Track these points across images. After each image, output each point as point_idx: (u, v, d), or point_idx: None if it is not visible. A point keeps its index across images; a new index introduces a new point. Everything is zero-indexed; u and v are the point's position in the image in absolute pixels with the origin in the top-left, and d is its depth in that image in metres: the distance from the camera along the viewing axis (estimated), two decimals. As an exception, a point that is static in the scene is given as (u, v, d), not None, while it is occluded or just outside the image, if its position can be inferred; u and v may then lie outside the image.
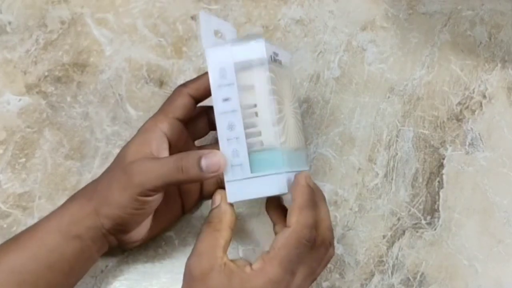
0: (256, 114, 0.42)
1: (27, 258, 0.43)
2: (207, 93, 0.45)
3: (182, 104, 0.46)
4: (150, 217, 0.47)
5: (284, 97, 0.44)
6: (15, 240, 0.45)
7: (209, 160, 0.41)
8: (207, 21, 0.44)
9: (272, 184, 0.42)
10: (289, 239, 0.40)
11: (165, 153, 0.45)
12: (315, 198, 0.42)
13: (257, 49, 0.42)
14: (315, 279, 0.43)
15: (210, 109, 0.47)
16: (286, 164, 0.42)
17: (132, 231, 0.46)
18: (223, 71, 0.42)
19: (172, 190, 0.49)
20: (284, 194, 0.42)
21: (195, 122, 0.49)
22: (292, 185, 0.42)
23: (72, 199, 0.46)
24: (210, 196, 0.44)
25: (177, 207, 0.50)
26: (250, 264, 0.40)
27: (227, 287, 0.39)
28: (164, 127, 0.45)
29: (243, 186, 0.42)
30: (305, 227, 0.40)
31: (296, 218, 0.40)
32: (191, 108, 0.46)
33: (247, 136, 0.42)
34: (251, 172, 0.42)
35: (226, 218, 0.42)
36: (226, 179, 0.42)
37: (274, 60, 0.44)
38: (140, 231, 0.47)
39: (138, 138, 0.45)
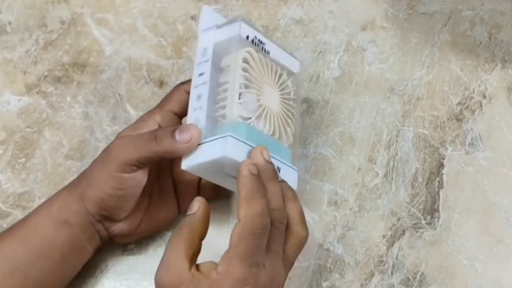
0: (226, 90, 0.43)
1: (19, 245, 0.43)
2: None
3: (177, 99, 0.47)
4: (142, 211, 0.47)
5: (265, 83, 0.45)
6: (9, 229, 0.45)
7: (182, 130, 0.42)
8: (209, 16, 0.46)
9: (217, 148, 0.41)
10: (243, 233, 0.39)
11: None
12: (260, 184, 0.40)
13: (234, 29, 0.44)
14: (292, 263, 0.42)
15: None
16: (239, 134, 0.42)
17: (119, 220, 0.46)
18: (205, 50, 0.45)
19: (167, 188, 0.49)
20: (226, 159, 0.41)
21: None
22: (237, 177, 0.41)
23: (62, 188, 0.47)
24: (206, 197, 0.43)
25: (172, 206, 0.49)
26: (216, 268, 0.39)
27: None
28: (158, 117, 0.46)
29: (196, 153, 0.42)
30: (254, 217, 0.39)
31: (244, 211, 0.39)
32: (187, 103, 0.46)
33: (215, 110, 0.43)
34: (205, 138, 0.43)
35: (198, 228, 0.41)
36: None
37: (255, 44, 0.45)
38: (130, 223, 0.46)
39: (130, 127, 0.46)
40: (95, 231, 0.46)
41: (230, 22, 0.45)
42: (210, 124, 0.43)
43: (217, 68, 0.45)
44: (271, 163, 0.42)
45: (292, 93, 0.47)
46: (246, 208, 0.39)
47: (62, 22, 0.57)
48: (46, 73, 0.56)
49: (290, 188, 0.43)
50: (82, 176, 0.46)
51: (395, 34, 0.58)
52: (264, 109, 0.44)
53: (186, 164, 0.43)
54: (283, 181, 0.43)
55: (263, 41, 0.46)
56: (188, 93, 0.46)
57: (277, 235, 0.41)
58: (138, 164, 0.43)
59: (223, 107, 0.43)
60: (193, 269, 0.39)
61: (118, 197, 0.44)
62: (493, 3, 0.59)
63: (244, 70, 0.44)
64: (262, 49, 0.46)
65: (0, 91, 0.55)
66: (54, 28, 0.57)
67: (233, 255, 0.39)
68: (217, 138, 0.41)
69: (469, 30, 0.59)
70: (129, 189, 0.44)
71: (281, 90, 0.47)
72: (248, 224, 0.39)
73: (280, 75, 0.47)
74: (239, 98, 0.43)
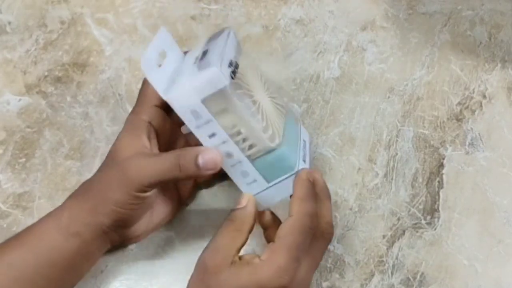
0: (240, 131, 0.42)
1: (26, 254, 0.43)
2: None
3: (153, 93, 0.46)
4: (150, 211, 0.47)
5: (255, 89, 0.45)
6: (16, 237, 0.45)
7: (206, 157, 0.42)
8: (161, 39, 0.44)
9: (290, 186, 0.44)
10: (293, 226, 0.41)
11: (155, 143, 0.46)
12: (314, 192, 0.44)
13: (215, 79, 0.40)
14: (314, 271, 0.44)
15: None
16: (293, 160, 0.44)
17: (130, 226, 0.46)
18: (195, 112, 0.41)
19: (169, 185, 0.49)
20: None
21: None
22: (294, 179, 0.44)
23: (70, 197, 0.46)
24: (204, 183, 0.46)
25: (175, 198, 0.50)
26: (259, 256, 0.42)
27: (237, 280, 0.40)
28: (147, 117, 0.46)
29: (266, 195, 0.44)
30: (306, 215, 0.42)
31: (297, 207, 0.42)
32: None
33: (244, 151, 0.43)
34: (268, 182, 0.44)
35: (249, 222, 0.43)
36: (252, 194, 0.45)
37: (233, 65, 0.42)
38: (141, 226, 0.47)
39: (126, 133, 0.46)
40: (106, 238, 0.46)
41: (201, 68, 0.41)
42: (252, 164, 0.44)
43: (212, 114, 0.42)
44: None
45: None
46: (300, 206, 0.42)
47: (62, 22, 0.57)
48: (46, 73, 0.56)
49: None
50: (90, 188, 0.45)
51: (395, 34, 0.58)
52: (267, 117, 0.44)
53: (262, 207, 0.46)
54: None
55: (229, 54, 0.43)
56: None
57: (322, 245, 0.44)
58: (158, 186, 0.44)
59: (253, 146, 0.43)
60: (237, 257, 0.42)
61: (136, 212, 0.45)
62: (493, 3, 0.59)
63: (249, 102, 0.43)
64: (234, 64, 0.43)
65: (0, 91, 0.55)
66: (54, 28, 0.57)
67: (280, 244, 0.41)
68: (285, 179, 0.44)
69: (469, 30, 0.59)
70: (146, 205, 0.45)
71: (267, 91, 0.47)
72: (300, 220, 0.42)
73: (258, 71, 0.47)
74: (263, 132, 0.43)
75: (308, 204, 0.42)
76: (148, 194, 0.43)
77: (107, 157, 0.46)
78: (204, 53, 0.43)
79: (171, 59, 0.45)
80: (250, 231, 0.44)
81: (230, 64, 0.41)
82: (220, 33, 0.45)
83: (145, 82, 0.47)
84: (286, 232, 0.41)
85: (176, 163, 0.42)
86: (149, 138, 0.45)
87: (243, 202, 0.44)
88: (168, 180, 0.43)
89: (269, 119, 0.44)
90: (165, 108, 0.48)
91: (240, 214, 0.43)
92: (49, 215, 0.45)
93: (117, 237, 0.46)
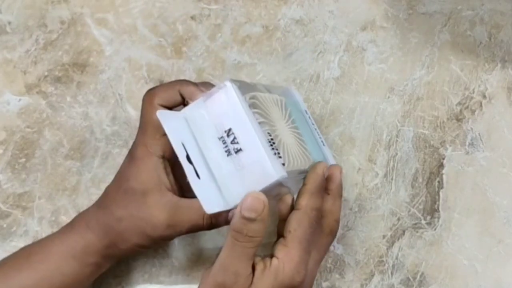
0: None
1: (40, 280, 0.43)
2: (177, 103, 0.45)
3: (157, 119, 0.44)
4: None
5: (275, 123, 0.43)
6: (27, 259, 0.44)
7: (250, 210, 0.39)
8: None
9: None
10: (302, 220, 0.41)
11: (173, 178, 0.45)
12: (323, 187, 0.43)
13: (269, 176, 0.39)
14: (319, 266, 0.45)
15: None
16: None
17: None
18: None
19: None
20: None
21: None
22: (310, 170, 0.43)
23: (85, 224, 0.45)
24: None
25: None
26: (270, 256, 0.41)
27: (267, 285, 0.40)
28: (158, 151, 0.44)
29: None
30: (314, 209, 0.42)
31: (306, 201, 0.42)
32: (176, 100, 0.46)
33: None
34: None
35: (262, 236, 0.41)
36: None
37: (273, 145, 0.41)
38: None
39: (145, 174, 0.44)
40: (122, 259, 0.47)
41: (247, 165, 0.39)
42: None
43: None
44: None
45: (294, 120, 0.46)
46: (309, 199, 0.42)
47: (62, 22, 0.57)
48: (46, 73, 0.56)
49: None
50: (112, 225, 0.44)
51: (395, 34, 0.58)
52: (283, 144, 0.43)
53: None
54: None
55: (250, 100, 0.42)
56: (164, 107, 0.45)
57: (329, 241, 0.44)
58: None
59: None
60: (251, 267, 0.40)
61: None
62: (493, 3, 0.59)
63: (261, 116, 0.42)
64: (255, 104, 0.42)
65: (0, 91, 0.55)
66: (54, 28, 0.57)
67: (292, 237, 0.41)
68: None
69: (469, 30, 0.58)
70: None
71: (287, 120, 0.45)
72: (308, 213, 0.41)
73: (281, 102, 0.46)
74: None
75: (317, 199, 0.42)
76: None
77: (126, 192, 0.44)
78: (229, 135, 0.40)
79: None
80: (260, 244, 0.41)
81: (271, 143, 0.41)
82: (218, 89, 0.41)
83: (147, 106, 0.45)
84: (296, 226, 0.41)
85: (199, 216, 0.43)
86: (167, 176, 0.44)
87: (253, 213, 0.39)
88: (193, 231, 0.44)
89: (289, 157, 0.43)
90: None
91: (253, 228, 0.39)
92: (60, 240, 0.44)
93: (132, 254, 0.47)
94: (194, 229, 0.43)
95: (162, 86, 0.46)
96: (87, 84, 0.56)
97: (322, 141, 0.50)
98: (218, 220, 0.43)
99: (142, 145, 0.44)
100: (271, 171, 0.39)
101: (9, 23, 0.57)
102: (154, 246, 0.45)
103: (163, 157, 0.44)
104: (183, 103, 0.45)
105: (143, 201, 0.43)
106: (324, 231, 0.44)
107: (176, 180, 0.45)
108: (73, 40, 0.57)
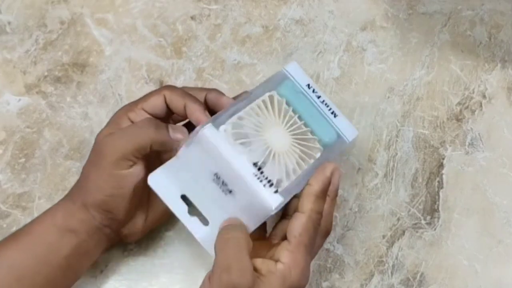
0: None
1: (25, 254, 0.43)
2: (181, 115, 0.45)
3: (154, 102, 0.46)
4: (146, 206, 0.47)
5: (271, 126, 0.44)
6: (13, 236, 0.45)
7: (175, 128, 0.43)
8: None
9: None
10: (307, 224, 0.41)
11: None
12: (327, 189, 0.43)
13: (265, 208, 0.41)
14: None
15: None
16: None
17: (126, 220, 0.46)
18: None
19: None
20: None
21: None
22: (316, 169, 0.43)
23: (64, 196, 0.46)
24: None
25: None
26: (278, 260, 0.41)
27: None
28: (132, 116, 0.45)
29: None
30: (318, 213, 0.42)
31: (312, 205, 0.41)
32: (161, 109, 0.46)
33: None
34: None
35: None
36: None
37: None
38: (137, 222, 0.46)
39: (107, 127, 0.45)
40: (102, 235, 0.45)
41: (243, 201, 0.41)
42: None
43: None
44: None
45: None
46: (314, 203, 0.41)
47: (62, 22, 0.57)
48: (45, 73, 0.56)
49: None
50: (79, 184, 0.45)
51: (395, 34, 0.58)
52: (277, 158, 0.43)
53: None
54: None
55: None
56: (165, 101, 0.45)
57: (323, 242, 0.44)
58: (132, 158, 0.43)
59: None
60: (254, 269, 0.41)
61: (120, 197, 0.44)
62: (493, 3, 0.59)
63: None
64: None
65: (-1, 91, 0.55)
66: (53, 28, 0.57)
67: (298, 243, 0.41)
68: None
69: (469, 30, 0.58)
70: (129, 186, 0.44)
71: (282, 118, 0.45)
72: (312, 218, 0.41)
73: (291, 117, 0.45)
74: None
75: (322, 201, 0.42)
76: (126, 172, 0.43)
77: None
78: (218, 177, 0.41)
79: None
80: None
81: (258, 175, 0.41)
82: (193, 140, 0.42)
83: (158, 90, 0.46)
84: (302, 231, 0.41)
85: (145, 128, 0.42)
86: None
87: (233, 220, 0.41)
88: (141, 146, 0.42)
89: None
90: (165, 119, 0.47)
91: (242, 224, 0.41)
92: (45, 213, 0.45)
93: (113, 234, 0.46)
94: (136, 145, 0.42)
95: (186, 89, 0.47)
96: (87, 84, 0.56)
97: (333, 112, 0.47)
98: (160, 134, 0.43)
99: (124, 109, 0.46)
100: (266, 204, 0.40)
101: (9, 23, 0.57)
102: (117, 190, 0.43)
103: (132, 122, 0.45)
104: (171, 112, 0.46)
105: (98, 141, 0.44)
106: (321, 232, 0.43)
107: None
108: (73, 40, 0.57)
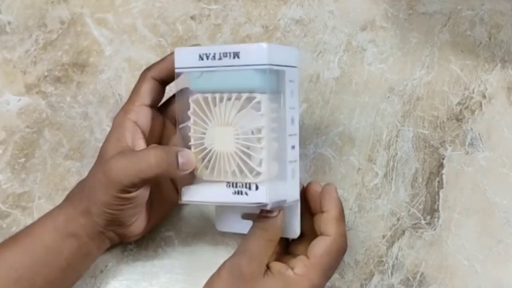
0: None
1: (24, 255, 0.43)
2: (171, 75, 0.45)
3: (147, 90, 0.46)
4: (148, 208, 0.47)
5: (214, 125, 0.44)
6: (13, 238, 0.45)
7: (185, 156, 0.42)
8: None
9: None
10: (331, 247, 0.42)
11: (141, 143, 0.45)
12: (343, 210, 0.45)
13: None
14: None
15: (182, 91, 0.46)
16: None
17: (129, 225, 0.46)
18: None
19: (165, 180, 0.49)
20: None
21: (171, 105, 0.49)
22: (323, 196, 0.44)
23: (65, 198, 0.46)
24: None
25: (172, 193, 0.49)
26: (291, 268, 0.42)
27: None
28: (133, 116, 0.45)
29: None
30: (343, 236, 0.43)
31: (335, 228, 0.43)
32: (158, 92, 0.46)
33: None
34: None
35: (280, 234, 0.43)
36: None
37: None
38: (140, 223, 0.47)
39: (112, 133, 0.45)
40: (104, 238, 0.46)
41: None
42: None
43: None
44: None
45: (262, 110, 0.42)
46: (337, 226, 0.43)
47: (62, 22, 0.57)
48: (45, 73, 0.56)
49: None
50: (82, 190, 0.45)
51: (395, 34, 0.58)
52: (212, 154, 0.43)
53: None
54: None
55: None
56: (156, 80, 0.46)
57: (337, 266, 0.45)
58: (141, 185, 0.43)
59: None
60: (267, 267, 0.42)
61: (126, 211, 0.44)
62: (493, 3, 0.59)
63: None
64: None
65: (-1, 91, 0.55)
66: (53, 28, 0.57)
67: (316, 262, 0.42)
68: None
69: (469, 30, 0.58)
70: (138, 202, 0.44)
71: (236, 123, 0.43)
72: (337, 242, 0.43)
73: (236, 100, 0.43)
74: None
75: (343, 225, 0.43)
76: (133, 194, 0.43)
77: (97, 158, 0.46)
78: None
79: None
80: (277, 241, 0.44)
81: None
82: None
83: (140, 78, 0.47)
84: (324, 252, 0.42)
85: (157, 160, 0.42)
86: (133, 139, 0.44)
87: (275, 211, 0.42)
88: (148, 179, 0.42)
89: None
90: (157, 108, 0.47)
91: (272, 224, 0.43)
92: (45, 216, 0.45)
93: (115, 236, 0.46)
94: (144, 175, 0.42)
95: (157, 61, 0.47)
96: (87, 84, 0.56)
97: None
98: (168, 168, 0.42)
99: (121, 111, 0.46)
100: (261, 204, 0.42)
101: (9, 23, 0.57)
102: (121, 206, 0.43)
103: (135, 123, 0.45)
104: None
105: (105, 159, 0.43)
106: (331, 254, 0.44)
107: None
108: (73, 40, 0.57)
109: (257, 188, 0.41)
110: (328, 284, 0.51)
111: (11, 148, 0.53)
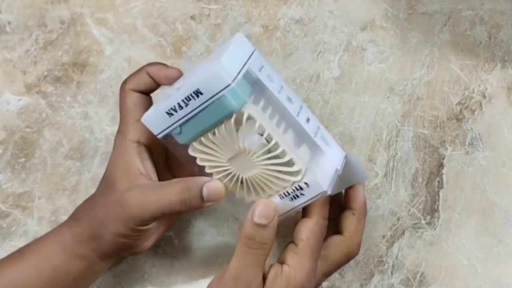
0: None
1: (30, 272, 0.43)
2: (148, 86, 0.44)
3: (133, 103, 0.44)
4: (157, 228, 0.47)
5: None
6: (19, 253, 0.44)
7: (210, 188, 0.41)
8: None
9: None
10: (314, 229, 0.42)
11: (150, 164, 0.44)
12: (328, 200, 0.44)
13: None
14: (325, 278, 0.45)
15: None
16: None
17: (140, 246, 0.46)
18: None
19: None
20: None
21: None
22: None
23: (73, 217, 0.45)
24: None
25: None
26: (281, 263, 0.41)
27: None
28: (133, 136, 0.44)
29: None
30: (324, 219, 0.43)
31: (318, 210, 0.42)
32: (145, 102, 0.45)
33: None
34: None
35: (272, 242, 0.41)
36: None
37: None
38: (149, 242, 0.46)
39: (117, 159, 0.44)
40: (114, 257, 0.45)
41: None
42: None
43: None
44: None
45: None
46: (320, 208, 0.43)
47: (62, 22, 0.57)
48: (45, 73, 0.56)
49: None
50: (95, 215, 0.44)
51: (395, 34, 0.58)
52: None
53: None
54: None
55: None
56: (138, 91, 0.44)
57: (344, 262, 0.45)
58: (161, 218, 0.43)
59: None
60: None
61: (141, 238, 0.44)
62: (493, 3, 0.59)
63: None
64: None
65: (0, 91, 0.55)
66: (53, 28, 0.57)
67: (305, 246, 0.41)
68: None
69: (469, 30, 0.58)
70: (151, 232, 0.44)
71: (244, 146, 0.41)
72: (319, 223, 0.42)
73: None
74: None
75: (326, 207, 0.43)
76: (151, 226, 0.43)
77: (104, 181, 0.44)
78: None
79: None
80: (270, 251, 0.42)
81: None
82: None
83: (120, 94, 0.45)
84: (309, 235, 0.42)
85: (180, 198, 0.41)
86: (142, 160, 0.44)
87: (265, 220, 0.40)
88: (171, 213, 0.42)
89: None
90: None
91: (267, 236, 0.40)
92: (53, 233, 0.44)
93: (126, 254, 0.46)
94: (166, 211, 0.41)
95: (132, 73, 0.46)
96: (86, 84, 0.56)
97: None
98: (191, 203, 0.41)
99: (119, 133, 0.45)
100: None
101: (9, 23, 0.57)
102: (137, 236, 0.43)
103: (138, 142, 0.44)
104: (156, 85, 0.45)
105: (116, 186, 0.42)
106: (347, 254, 0.44)
107: (156, 166, 0.45)
108: (73, 40, 0.57)
109: (307, 185, 0.40)
110: (328, 284, 0.51)
111: (11, 148, 0.53)
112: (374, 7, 0.59)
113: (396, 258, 0.52)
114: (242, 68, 0.39)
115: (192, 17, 0.58)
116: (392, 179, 0.54)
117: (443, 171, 0.55)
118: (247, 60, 0.40)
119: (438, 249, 0.53)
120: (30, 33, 0.57)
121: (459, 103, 0.57)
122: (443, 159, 0.55)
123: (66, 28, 0.57)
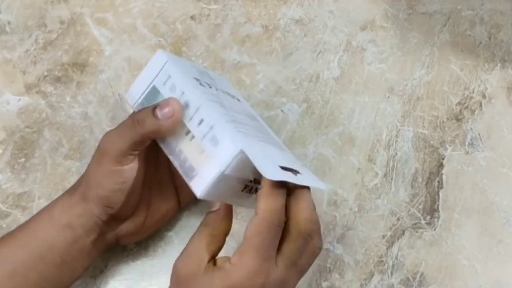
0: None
1: (18, 248, 0.43)
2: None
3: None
4: (145, 206, 0.47)
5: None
6: (10, 233, 0.45)
7: (162, 106, 0.41)
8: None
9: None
10: (260, 226, 0.39)
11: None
12: (282, 185, 0.40)
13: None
14: (302, 272, 0.42)
15: None
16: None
17: (125, 218, 0.46)
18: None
19: (165, 180, 0.49)
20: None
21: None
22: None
23: (64, 192, 0.46)
24: None
25: (172, 198, 0.49)
26: (230, 260, 0.40)
27: (209, 287, 0.39)
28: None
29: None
30: (273, 212, 0.39)
31: (263, 205, 0.39)
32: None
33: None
34: None
35: (224, 226, 0.42)
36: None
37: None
38: (136, 220, 0.46)
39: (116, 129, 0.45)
40: (100, 233, 0.45)
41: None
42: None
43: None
44: None
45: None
46: (266, 203, 0.39)
47: (62, 22, 0.57)
48: (45, 73, 0.56)
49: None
50: (81, 179, 0.46)
51: (395, 34, 0.58)
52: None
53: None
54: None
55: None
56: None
57: (301, 245, 0.40)
58: (131, 152, 0.43)
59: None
60: (211, 262, 0.41)
61: (121, 192, 0.44)
62: (493, 3, 0.59)
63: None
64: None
65: (-1, 91, 0.55)
66: (53, 28, 0.57)
67: (248, 246, 0.39)
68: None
69: (469, 30, 0.58)
70: (129, 181, 0.44)
71: None
72: (266, 218, 0.39)
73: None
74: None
75: (274, 199, 0.40)
76: (128, 166, 0.43)
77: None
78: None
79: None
80: (226, 235, 0.42)
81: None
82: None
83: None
84: (253, 233, 0.39)
85: (134, 120, 0.42)
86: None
87: (216, 205, 0.42)
88: (136, 141, 0.42)
89: None
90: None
91: (213, 217, 0.42)
92: (42, 210, 0.45)
93: (111, 232, 0.46)
94: (134, 137, 0.42)
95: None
96: (86, 84, 0.56)
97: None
98: (144, 121, 0.42)
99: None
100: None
101: (9, 23, 0.57)
102: (116, 188, 0.43)
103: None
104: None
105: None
106: (292, 234, 0.40)
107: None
108: (72, 40, 0.57)
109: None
110: (328, 284, 0.51)
111: (11, 148, 0.53)
112: (374, 7, 0.59)
113: (396, 258, 0.52)
114: (147, 88, 0.44)
115: (192, 17, 0.58)
116: (392, 179, 0.54)
117: (443, 171, 0.55)
118: (149, 87, 0.44)
119: (438, 249, 0.53)
120: (30, 33, 0.57)
121: (459, 103, 0.57)
122: (443, 159, 0.55)
123: (66, 28, 0.57)
